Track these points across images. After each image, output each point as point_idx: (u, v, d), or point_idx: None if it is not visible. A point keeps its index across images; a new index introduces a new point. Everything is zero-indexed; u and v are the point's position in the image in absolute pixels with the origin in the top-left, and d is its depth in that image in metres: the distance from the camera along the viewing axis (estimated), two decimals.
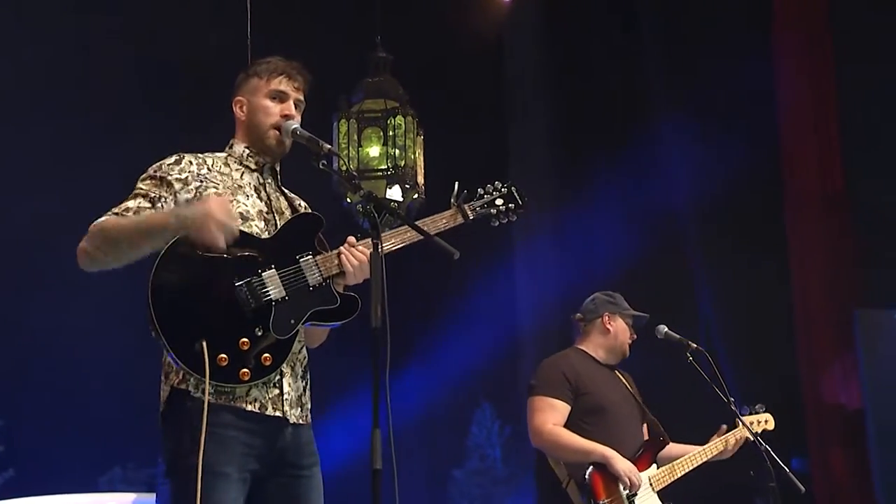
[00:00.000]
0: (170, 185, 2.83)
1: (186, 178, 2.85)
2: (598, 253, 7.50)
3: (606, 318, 4.62)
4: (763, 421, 4.77)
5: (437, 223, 3.07)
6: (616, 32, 7.75)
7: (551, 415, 4.39)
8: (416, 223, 2.95)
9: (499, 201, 3.22)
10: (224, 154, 3.02)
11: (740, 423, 4.57)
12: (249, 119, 3.00)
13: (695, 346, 4.57)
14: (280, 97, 2.98)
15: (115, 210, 2.79)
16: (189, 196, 2.82)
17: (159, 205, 2.80)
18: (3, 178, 5.94)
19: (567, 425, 4.38)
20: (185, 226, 2.67)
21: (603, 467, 4.23)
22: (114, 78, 6.31)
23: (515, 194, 3.25)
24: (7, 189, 5.98)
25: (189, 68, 6.19)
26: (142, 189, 2.83)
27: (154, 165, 2.89)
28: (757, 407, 4.78)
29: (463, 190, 3.16)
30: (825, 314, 7.03)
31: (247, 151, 3.01)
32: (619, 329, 4.61)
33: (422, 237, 2.85)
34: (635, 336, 4.65)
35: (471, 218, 3.14)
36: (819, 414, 6.92)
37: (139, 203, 2.79)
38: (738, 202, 7.16)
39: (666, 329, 4.68)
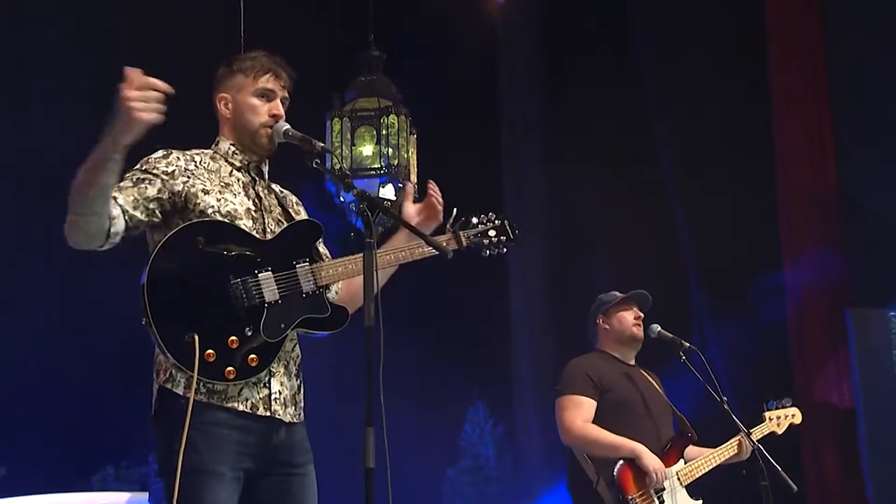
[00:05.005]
0: (156, 175, 2.81)
1: (174, 171, 2.84)
2: (589, 257, 7.51)
3: (600, 319, 4.79)
4: (790, 415, 4.82)
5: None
6: (612, 30, 7.75)
7: (578, 412, 4.49)
8: (413, 244, 3.02)
9: (491, 232, 3.26)
10: (210, 151, 3.00)
11: (766, 419, 4.68)
12: (236, 118, 2.99)
13: (688, 345, 4.59)
14: (267, 96, 2.97)
15: None
16: (177, 189, 2.81)
17: (142, 186, 2.77)
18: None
19: (596, 420, 4.48)
20: (113, 133, 2.49)
21: (632, 462, 4.32)
22: (106, 76, 6.29)
23: (508, 228, 3.29)
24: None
25: (181, 66, 6.17)
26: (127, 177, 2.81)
27: (142, 160, 2.87)
28: (784, 401, 4.85)
29: (460, 217, 3.20)
30: (818, 313, 7.04)
31: (232, 149, 3.00)
32: (615, 322, 4.74)
33: (415, 253, 2.98)
34: (641, 314, 4.75)
35: (464, 245, 3.19)
36: (811, 413, 6.92)
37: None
38: (732, 201, 7.17)
39: (659, 328, 4.71)
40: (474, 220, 3.26)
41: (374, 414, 2.40)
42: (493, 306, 7.64)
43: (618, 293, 4.78)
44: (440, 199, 3.17)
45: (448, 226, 3.19)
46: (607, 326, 4.75)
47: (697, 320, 7.26)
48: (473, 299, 7.38)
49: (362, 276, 2.61)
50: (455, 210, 3.20)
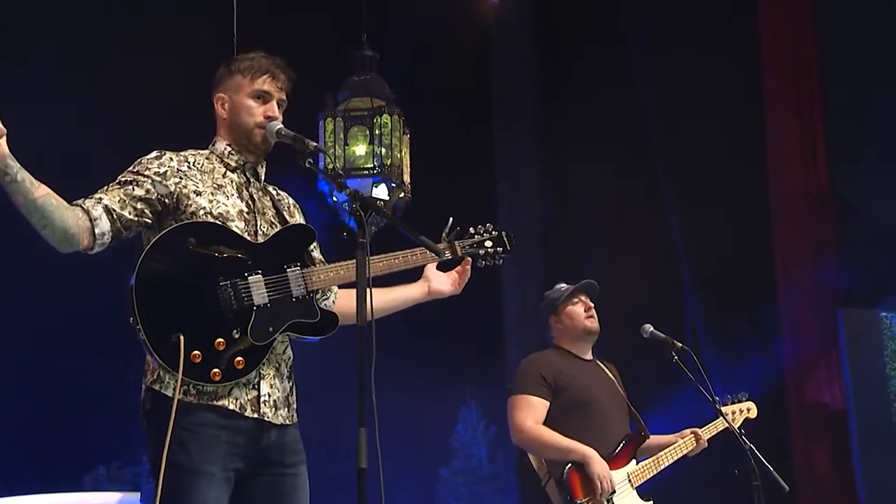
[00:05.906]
0: (146, 177, 2.82)
1: (165, 172, 2.84)
2: (583, 258, 7.51)
3: (551, 319, 4.74)
4: (745, 409, 4.79)
5: (425, 255, 3.10)
6: (605, 31, 7.75)
7: (530, 412, 4.46)
8: (406, 252, 3.05)
9: (488, 243, 3.26)
10: (206, 151, 3.01)
11: (721, 417, 4.56)
12: (232, 118, 2.99)
13: (680, 345, 4.58)
14: (264, 97, 2.97)
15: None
16: (168, 190, 2.81)
17: (129, 187, 2.79)
18: None
19: (550, 421, 4.44)
20: None
21: (581, 467, 4.26)
22: (99, 75, 6.29)
23: (504, 239, 3.28)
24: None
25: (175, 66, 6.16)
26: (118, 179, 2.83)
27: (135, 161, 2.88)
28: (739, 395, 4.81)
29: (456, 227, 3.19)
30: (810, 313, 7.06)
31: (228, 149, 3.00)
32: (565, 319, 4.68)
33: (409, 260, 3.02)
34: (591, 303, 4.69)
35: (459, 255, 3.19)
36: (803, 413, 6.95)
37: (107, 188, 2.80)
38: (726, 203, 7.18)
39: (651, 328, 4.69)
40: (471, 230, 3.26)
41: (366, 414, 2.39)
42: (487, 306, 7.63)
43: (564, 285, 4.75)
44: (468, 276, 3.23)
45: (443, 235, 3.18)
46: (560, 326, 4.70)
47: (690, 321, 7.26)
48: (467, 298, 7.36)
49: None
50: (451, 219, 3.18)
